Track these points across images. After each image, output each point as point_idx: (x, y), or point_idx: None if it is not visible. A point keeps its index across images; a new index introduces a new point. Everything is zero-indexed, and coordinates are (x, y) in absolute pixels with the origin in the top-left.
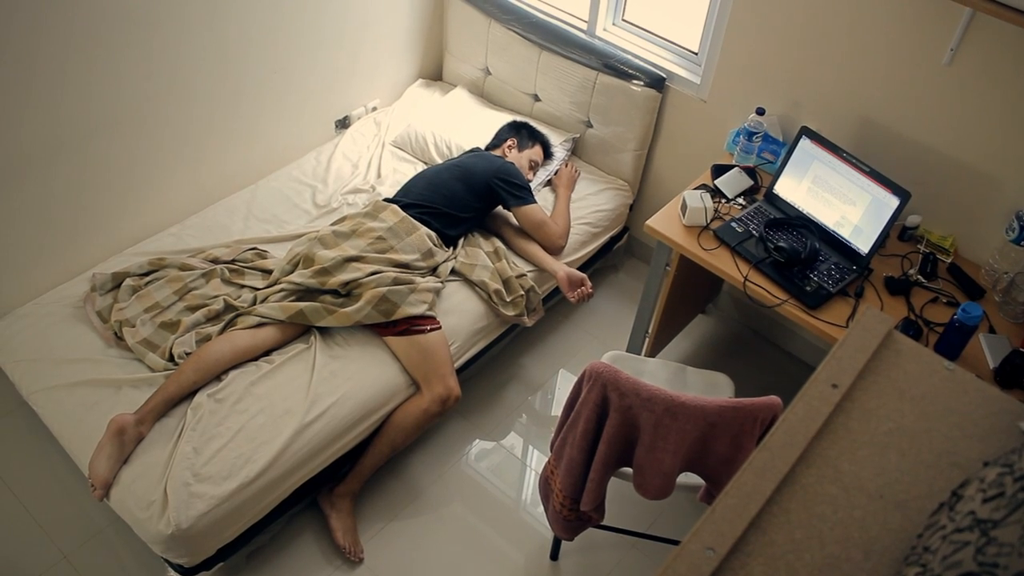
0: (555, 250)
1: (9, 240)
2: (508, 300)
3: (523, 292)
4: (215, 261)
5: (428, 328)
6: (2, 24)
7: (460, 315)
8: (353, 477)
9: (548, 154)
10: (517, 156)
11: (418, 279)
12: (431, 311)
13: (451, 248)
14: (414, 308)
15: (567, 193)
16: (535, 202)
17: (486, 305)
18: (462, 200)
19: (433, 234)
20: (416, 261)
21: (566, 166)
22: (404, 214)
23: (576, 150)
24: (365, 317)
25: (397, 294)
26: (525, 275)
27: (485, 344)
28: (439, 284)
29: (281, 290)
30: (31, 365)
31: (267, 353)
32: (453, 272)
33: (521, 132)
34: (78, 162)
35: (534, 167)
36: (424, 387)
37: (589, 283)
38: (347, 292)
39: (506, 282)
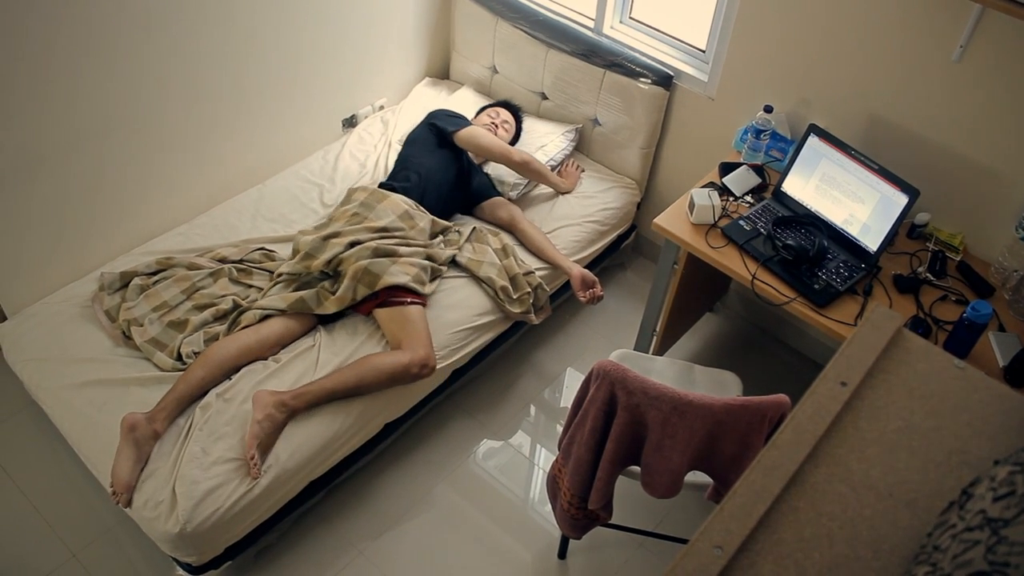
0: (506, 158)
1: (18, 240)
2: (515, 297)
3: (530, 290)
4: (223, 260)
5: (408, 300)
6: (15, 26)
7: (466, 309)
8: (304, 393)
9: (517, 116)
10: (476, 120)
11: (401, 249)
12: (415, 285)
13: (442, 227)
14: (395, 277)
15: (562, 183)
16: (472, 124)
17: (493, 301)
18: (417, 158)
19: (410, 201)
20: (394, 223)
21: (571, 164)
22: (375, 188)
23: (584, 148)
24: (353, 293)
25: (378, 265)
26: (533, 272)
27: (491, 338)
28: (424, 261)
29: (279, 282)
30: (40, 364)
31: (276, 352)
32: (460, 267)
33: (482, 108)
34: (86, 162)
35: (494, 118)
36: (406, 348)
37: (600, 285)
38: (336, 274)
39: (513, 279)
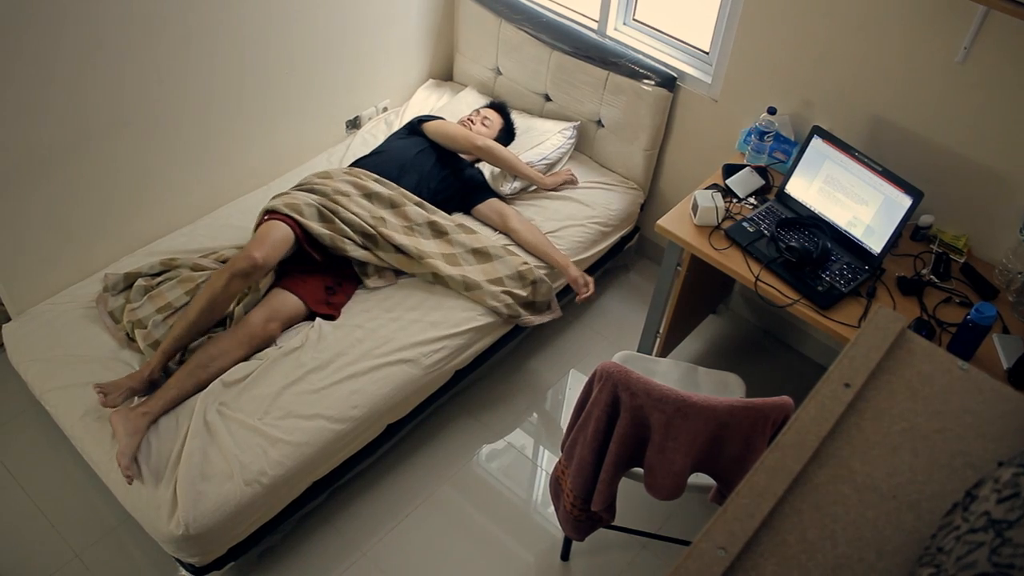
0: (470, 143)
1: (22, 240)
2: (499, 300)
3: (511, 291)
4: (226, 262)
5: (267, 218)
6: (19, 26)
7: (468, 310)
8: (151, 362)
9: (503, 113)
10: (458, 122)
11: (293, 191)
12: (285, 209)
13: (370, 190)
14: (271, 204)
15: (543, 179)
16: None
17: (484, 306)
18: (384, 143)
19: (345, 167)
20: (307, 179)
21: (567, 170)
22: None
23: (587, 149)
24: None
25: (269, 204)
26: (529, 266)
27: (494, 339)
28: (313, 200)
29: None
30: (44, 364)
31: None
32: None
33: None
34: (90, 163)
35: (472, 115)
36: None
37: (592, 284)
38: None
39: (494, 283)
